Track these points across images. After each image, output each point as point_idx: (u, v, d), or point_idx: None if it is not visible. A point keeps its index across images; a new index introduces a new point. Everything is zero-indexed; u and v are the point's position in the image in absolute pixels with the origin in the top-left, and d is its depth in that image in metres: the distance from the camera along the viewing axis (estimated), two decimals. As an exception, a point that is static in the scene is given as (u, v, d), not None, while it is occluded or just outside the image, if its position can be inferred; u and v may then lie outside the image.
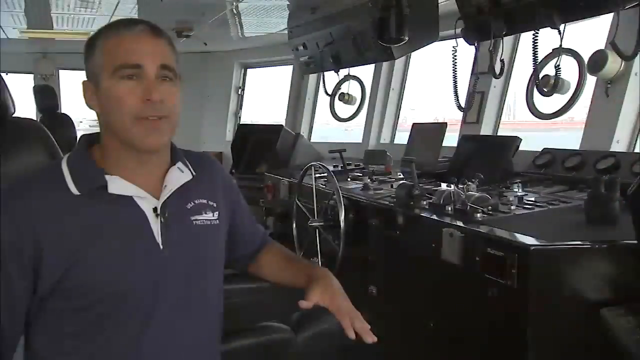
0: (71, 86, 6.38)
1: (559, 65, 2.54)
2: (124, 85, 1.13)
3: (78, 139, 1.27)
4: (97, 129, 1.23)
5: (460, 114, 3.52)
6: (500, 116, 3.59)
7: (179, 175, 1.24)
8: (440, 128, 3.44)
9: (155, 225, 1.18)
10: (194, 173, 1.27)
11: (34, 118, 3.59)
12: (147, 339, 1.16)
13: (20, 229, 1.09)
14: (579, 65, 2.72)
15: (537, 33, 2.55)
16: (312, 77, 5.41)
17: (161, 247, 1.18)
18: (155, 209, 1.18)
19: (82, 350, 1.15)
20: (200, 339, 1.25)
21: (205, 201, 1.27)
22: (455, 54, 2.97)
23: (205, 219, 1.26)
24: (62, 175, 1.16)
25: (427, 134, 3.52)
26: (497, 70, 2.95)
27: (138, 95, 1.13)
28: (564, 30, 2.46)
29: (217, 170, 1.38)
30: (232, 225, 1.36)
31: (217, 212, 1.28)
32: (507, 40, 3.12)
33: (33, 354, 1.18)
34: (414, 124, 3.72)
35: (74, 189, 1.14)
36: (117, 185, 1.16)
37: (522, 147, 2.99)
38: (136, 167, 1.19)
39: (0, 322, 1.11)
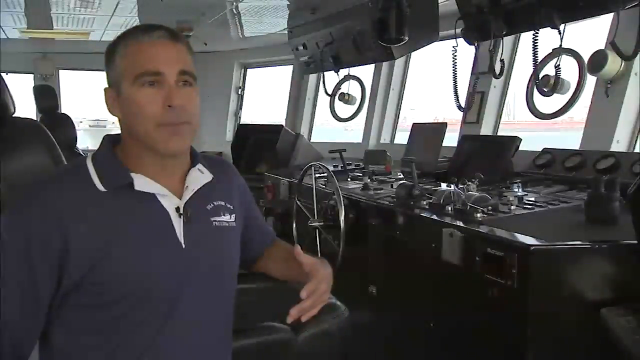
0: (71, 86, 6.39)
1: (559, 65, 2.55)
2: (144, 92, 1.16)
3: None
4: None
5: (460, 114, 3.52)
6: (500, 116, 3.59)
7: (200, 177, 1.27)
8: (440, 128, 3.44)
9: (178, 224, 1.20)
10: (212, 175, 1.29)
11: (34, 118, 3.59)
12: (166, 336, 1.18)
13: (48, 224, 1.11)
14: (579, 65, 2.72)
15: (537, 33, 2.55)
16: (312, 77, 5.41)
17: (183, 246, 1.20)
18: (177, 209, 1.21)
19: (101, 346, 1.16)
20: (216, 335, 1.28)
21: (223, 203, 1.30)
22: (455, 54, 2.98)
23: (224, 221, 1.29)
24: (87, 173, 1.18)
25: (427, 134, 3.51)
26: (497, 70, 2.96)
27: (159, 102, 1.15)
28: (564, 30, 2.46)
29: (233, 174, 1.41)
30: (245, 229, 1.39)
31: (234, 215, 1.31)
32: (507, 40, 3.12)
33: (52, 349, 1.19)
34: (414, 124, 3.71)
35: (100, 186, 1.17)
36: (142, 182, 1.19)
37: (522, 147, 2.99)
38: (158, 168, 1.21)
39: (24, 315, 1.13)
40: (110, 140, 1.25)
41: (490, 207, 2.11)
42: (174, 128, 1.16)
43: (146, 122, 1.16)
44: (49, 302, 1.15)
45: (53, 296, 1.14)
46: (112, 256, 1.13)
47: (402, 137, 4.42)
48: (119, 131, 1.26)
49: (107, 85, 1.23)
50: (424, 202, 2.41)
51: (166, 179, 1.22)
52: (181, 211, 1.21)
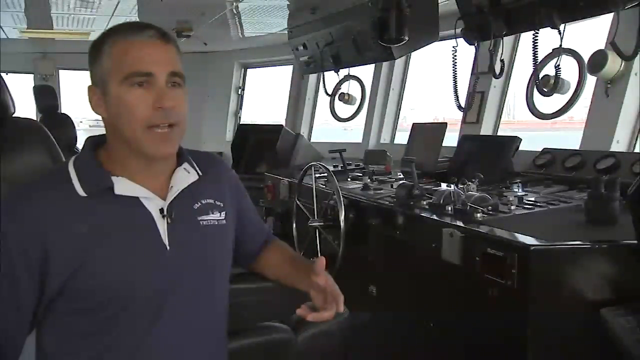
0: (71, 86, 6.38)
1: (559, 65, 2.54)
2: (134, 92, 1.13)
3: (84, 140, 1.27)
4: (96, 130, 1.23)
5: (460, 114, 3.52)
6: (500, 116, 3.59)
7: (185, 176, 1.25)
8: (440, 128, 3.44)
9: (162, 225, 1.18)
10: (200, 173, 1.27)
11: (34, 118, 3.59)
12: (155, 337, 1.17)
13: (27, 231, 1.10)
14: (579, 65, 2.72)
15: (537, 33, 2.55)
16: (312, 77, 5.41)
17: (168, 247, 1.18)
18: (161, 210, 1.19)
19: (90, 349, 1.16)
20: (208, 337, 1.26)
21: (212, 201, 1.28)
22: (455, 54, 2.97)
23: (212, 219, 1.27)
24: (69, 177, 1.16)
25: (427, 134, 3.51)
26: (497, 70, 2.95)
27: (148, 103, 1.13)
28: (564, 30, 2.46)
29: (224, 170, 1.40)
30: (238, 224, 1.37)
31: (223, 212, 1.29)
32: (507, 40, 3.12)
33: (43, 353, 1.19)
34: (414, 124, 3.71)
35: (80, 191, 1.15)
36: (123, 186, 1.17)
37: (522, 147, 2.99)
38: (142, 169, 1.19)
39: (7, 323, 1.12)
40: (92, 143, 1.23)
41: (490, 207, 2.11)
42: (163, 134, 1.14)
43: (135, 124, 1.13)
44: (34, 308, 1.14)
45: (37, 303, 1.13)
46: (93, 261, 1.11)
47: (402, 137, 4.42)
48: None
49: (90, 84, 1.20)
50: (424, 202, 2.41)
51: (151, 181, 1.20)
52: (165, 212, 1.19)
